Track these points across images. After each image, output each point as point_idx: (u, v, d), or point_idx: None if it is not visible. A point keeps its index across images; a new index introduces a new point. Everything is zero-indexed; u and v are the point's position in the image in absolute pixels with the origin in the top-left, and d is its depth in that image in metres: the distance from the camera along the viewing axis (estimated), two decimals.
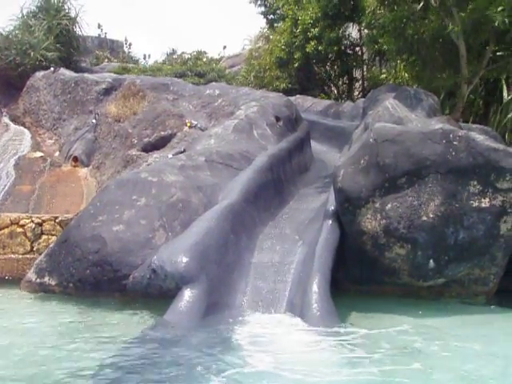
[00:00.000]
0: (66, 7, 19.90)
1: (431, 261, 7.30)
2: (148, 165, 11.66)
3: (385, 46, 13.25)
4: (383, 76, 16.97)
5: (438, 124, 7.95)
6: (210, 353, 5.19)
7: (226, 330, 6.12)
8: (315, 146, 14.76)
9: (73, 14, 19.99)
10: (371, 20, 14.69)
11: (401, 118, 9.00)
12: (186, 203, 8.37)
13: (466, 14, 10.80)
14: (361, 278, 7.86)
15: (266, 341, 5.71)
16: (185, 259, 6.94)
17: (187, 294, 6.64)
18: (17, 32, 18.83)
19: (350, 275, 7.92)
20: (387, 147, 7.40)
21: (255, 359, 5.03)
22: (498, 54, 12.44)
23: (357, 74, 20.50)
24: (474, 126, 9.80)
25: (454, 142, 7.32)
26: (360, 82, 20.34)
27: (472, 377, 4.83)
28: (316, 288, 6.61)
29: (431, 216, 7.22)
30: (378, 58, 19.27)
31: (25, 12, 19.62)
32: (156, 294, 7.05)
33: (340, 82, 21.08)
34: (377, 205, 7.38)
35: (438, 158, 7.28)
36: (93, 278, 7.66)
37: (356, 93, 20.45)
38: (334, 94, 20.58)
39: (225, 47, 30.24)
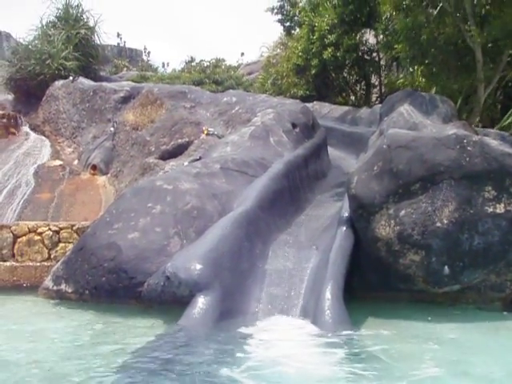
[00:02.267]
0: (84, 17, 20.19)
1: (446, 267, 7.25)
2: (165, 172, 11.73)
3: (399, 52, 13.18)
4: (400, 81, 16.89)
5: (452, 129, 7.93)
6: (221, 359, 5.21)
7: (239, 336, 6.14)
8: (332, 152, 14.75)
9: (91, 24, 20.27)
10: (387, 26, 14.70)
11: (416, 123, 8.99)
12: (200, 211, 8.41)
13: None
14: (376, 284, 7.82)
15: (278, 348, 5.72)
16: (198, 266, 6.97)
17: (201, 301, 6.67)
18: (36, 42, 19.12)
19: (364, 282, 7.88)
20: (401, 153, 7.39)
21: (265, 365, 5.03)
22: None
23: (374, 79, 20.44)
24: (491, 130, 9.72)
25: (468, 148, 7.29)
26: (377, 87, 20.28)
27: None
28: (329, 295, 6.60)
29: (445, 222, 7.18)
30: (395, 64, 19.20)
31: (44, 22, 19.90)
32: (170, 301, 7.08)
33: (357, 88, 21.04)
34: (391, 211, 7.36)
35: (451, 163, 7.25)
36: (108, 285, 7.73)
37: (374, 99, 20.40)
38: (351, 101, 20.54)
39: (242, 54, 30.42)
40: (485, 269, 7.34)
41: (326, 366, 5.19)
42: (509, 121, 12.19)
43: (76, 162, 15.77)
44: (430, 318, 6.97)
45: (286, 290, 7.33)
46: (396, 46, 13.28)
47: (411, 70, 15.14)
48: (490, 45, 11.60)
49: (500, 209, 7.22)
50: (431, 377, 4.93)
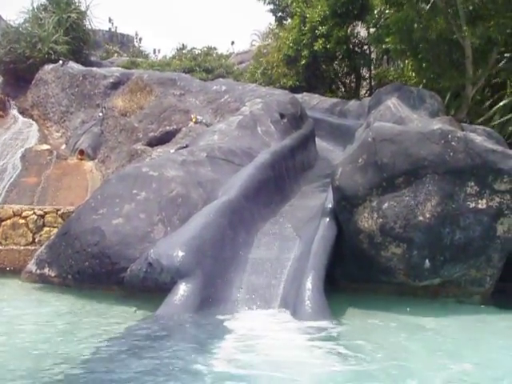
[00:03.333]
0: (76, 1, 20.00)
1: (427, 261, 7.31)
2: (151, 159, 11.72)
3: (390, 45, 13.21)
4: (390, 75, 16.94)
5: (437, 124, 7.96)
6: (199, 347, 5.25)
7: (217, 324, 6.17)
8: (320, 143, 14.77)
9: (83, 8, 20.09)
10: (378, 20, 14.70)
11: (402, 117, 9.03)
12: (185, 198, 8.43)
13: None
14: (357, 276, 7.87)
15: (255, 336, 5.76)
16: (181, 253, 7.00)
17: (182, 288, 6.71)
18: (27, 25, 18.96)
19: (346, 273, 7.94)
20: (385, 146, 7.43)
21: (242, 354, 5.07)
22: (505, 55, 12.43)
23: (364, 72, 20.46)
24: (477, 127, 9.78)
25: (453, 143, 7.33)
26: (368, 80, 20.31)
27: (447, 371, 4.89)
28: (309, 285, 6.64)
29: (428, 216, 7.23)
30: (385, 57, 19.22)
31: (35, 5, 19.72)
32: (152, 288, 7.11)
33: (347, 81, 21.06)
34: (374, 204, 7.41)
35: (435, 158, 7.29)
36: (91, 270, 7.75)
37: (363, 91, 20.43)
38: (341, 93, 20.56)
39: (233, 43, 30.30)
40: (465, 263, 7.41)
41: (303, 355, 5.23)
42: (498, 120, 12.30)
43: (64, 146, 15.72)
44: (409, 310, 7.04)
45: (267, 280, 7.37)
46: (387, 40, 13.30)
47: (401, 64, 15.19)
48: (479, 42, 11.63)
49: (482, 204, 7.28)
50: (409, 367, 4.99)
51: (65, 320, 6.49)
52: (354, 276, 7.92)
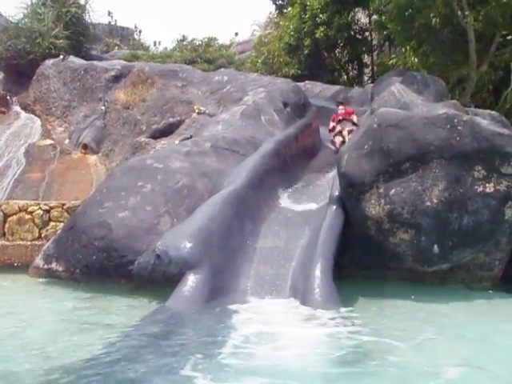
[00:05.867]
0: None
1: (435, 246, 7.28)
2: (154, 151, 11.70)
3: (393, 33, 13.16)
4: (393, 61, 16.86)
5: (442, 109, 7.92)
6: (210, 337, 5.22)
7: (227, 314, 6.15)
8: (324, 131, 14.71)
9: (82, 2, 19.96)
10: (379, 5, 14.62)
11: (406, 103, 8.98)
12: (191, 189, 8.41)
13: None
14: (366, 263, 7.84)
15: (266, 325, 5.73)
16: (188, 244, 6.99)
17: (190, 279, 6.69)
18: (26, 20, 18.84)
19: (354, 260, 7.90)
20: (391, 132, 7.39)
21: (252, 343, 5.06)
22: (508, 38, 12.38)
23: (366, 59, 20.37)
24: (481, 111, 9.72)
25: (459, 127, 7.29)
26: (369, 67, 20.22)
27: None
28: (318, 273, 6.63)
29: (435, 201, 7.20)
30: (387, 44, 19.13)
31: (34, 0, 19.60)
32: (160, 280, 7.08)
33: (349, 68, 20.97)
34: (381, 190, 7.37)
35: (441, 143, 7.25)
36: (99, 263, 7.73)
37: (365, 78, 20.35)
38: (343, 80, 20.48)
39: (237, 34, 30.07)
40: (474, 248, 7.38)
41: (314, 344, 5.21)
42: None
43: (67, 141, 15.68)
44: (414, 297, 7.00)
45: (275, 269, 7.35)
46: (389, 26, 13.25)
47: (403, 50, 15.10)
48: (481, 25, 11.57)
49: (489, 188, 7.24)
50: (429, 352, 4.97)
51: (74, 314, 6.49)
52: (362, 263, 7.88)
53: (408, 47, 14.49)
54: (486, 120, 7.82)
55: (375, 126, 7.53)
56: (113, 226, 7.80)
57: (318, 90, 17.55)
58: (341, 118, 13.15)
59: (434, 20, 12.06)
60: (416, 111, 8.31)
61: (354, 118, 12.94)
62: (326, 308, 6.32)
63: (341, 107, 13.40)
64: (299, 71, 19.72)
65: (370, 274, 7.85)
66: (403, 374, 4.35)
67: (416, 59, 14.58)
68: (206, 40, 25.37)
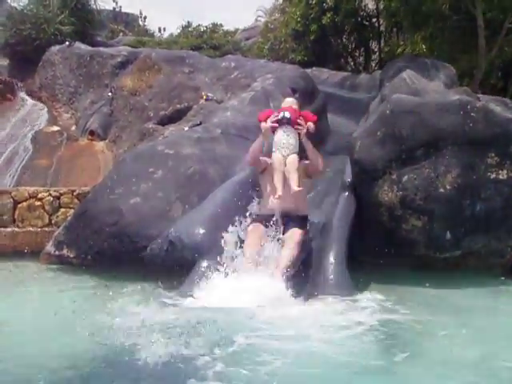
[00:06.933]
0: None
1: (448, 233, 7.28)
2: (164, 138, 11.66)
3: (402, 20, 13.08)
4: (400, 48, 16.76)
5: (455, 95, 7.89)
6: (227, 324, 5.22)
7: None
8: (331, 118, 14.63)
9: None
10: None
11: (418, 89, 8.92)
12: (202, 175, 8.39)
13: None
14: (377, 250, 7.80)
15: (281, 310, 5.75)
16: (202, 230, 7.00)
17: (204, 266, 6.70)
18: (31, 6, 18.77)
19: (366, 247, 7.87)
20: (404, 119, 7.36)
21: (268, 329, 5.08)
22: None
23: (374, 46, 20.25)
24: (492, 97, 9.67)
25: (472, 114, 7.26)
26: (377, 54, 20.11)
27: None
28: (332, 259, 6.64)
29: (448, 188, 7.19)
30: (395, 30, 18.99)
31: None
32: (173, 266, 7.08)
33: (357, 54, 20.85)
34: (393, 176, 7.36)
35: (455, 129, 7.22)
36: (111, 249, 7.75)
37: (373, 65, 20.23)
38: (350, 67, 20.36)
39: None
40: (486, 235, 7.38)
41: (330, 330, 5.21)
42: None
43: (74, 127, 15.62)
44: (428, 285, 6.99)
45: None
46: (397, 12, 13.18)
47: (412, 36, 15.01)
48: (491, 11, 11.51)
49: (503, 175, 7.23)
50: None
51: (88, 300, 6.50)
52: (373, 250, 7.84)
53: (416, 34, 14.41)
54: (498, 107, 7.78)
55: (388, 112, 7.50)
56: (125, 212, 7.80)
57: (325, 77, 17.43)
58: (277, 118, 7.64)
59: (443, 6, 12.00)
60: (428, 97, 8.26)
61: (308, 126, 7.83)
62: (340, 294, 6.34)
63: (288, 99, 8.43)
64: (306, 57, 19.56)
65: (381, 260, 7.84)
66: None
67: (424, 46, 14.51)
68: (210, 26, 25.27)
